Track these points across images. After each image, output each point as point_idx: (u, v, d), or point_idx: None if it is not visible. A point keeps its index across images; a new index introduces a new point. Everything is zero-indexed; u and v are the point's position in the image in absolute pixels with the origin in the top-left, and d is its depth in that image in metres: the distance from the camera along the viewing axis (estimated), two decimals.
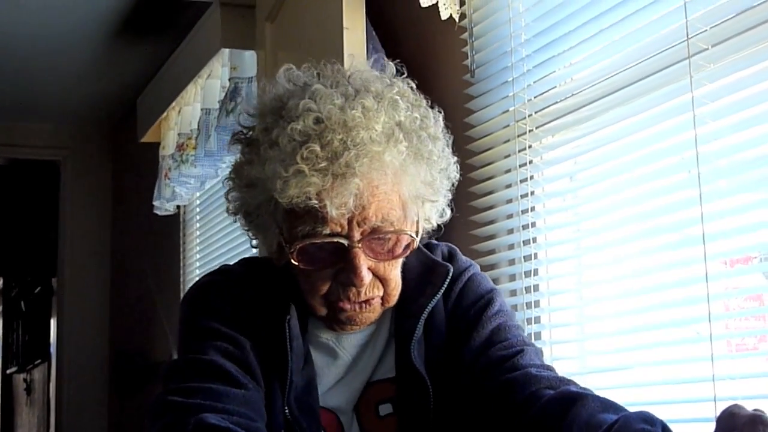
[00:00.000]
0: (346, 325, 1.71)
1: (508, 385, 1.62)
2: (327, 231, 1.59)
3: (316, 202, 1.56)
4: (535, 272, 2.50)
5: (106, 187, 7.00)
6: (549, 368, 1.67)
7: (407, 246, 1.67)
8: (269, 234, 1.71)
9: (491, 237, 2.65)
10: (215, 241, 5.01)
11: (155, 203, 5.14)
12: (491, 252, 2.66)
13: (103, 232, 6.98)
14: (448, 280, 1.76)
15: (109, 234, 6.99)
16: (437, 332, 1.76)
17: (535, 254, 2.50)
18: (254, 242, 1.80)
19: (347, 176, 1.55)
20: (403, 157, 1.61)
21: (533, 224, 2.50)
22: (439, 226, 1.77)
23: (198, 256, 5.33)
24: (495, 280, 2.59)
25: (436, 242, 1.85)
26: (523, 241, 2.52)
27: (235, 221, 1.78)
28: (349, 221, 1.59)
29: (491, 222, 2.66)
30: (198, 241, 5.36)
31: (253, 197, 1.68)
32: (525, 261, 2.51)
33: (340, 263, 1.63)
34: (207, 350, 1.65)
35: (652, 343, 2.20)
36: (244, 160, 1.70)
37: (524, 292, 2.51)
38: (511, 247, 2.59)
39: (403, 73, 1.75)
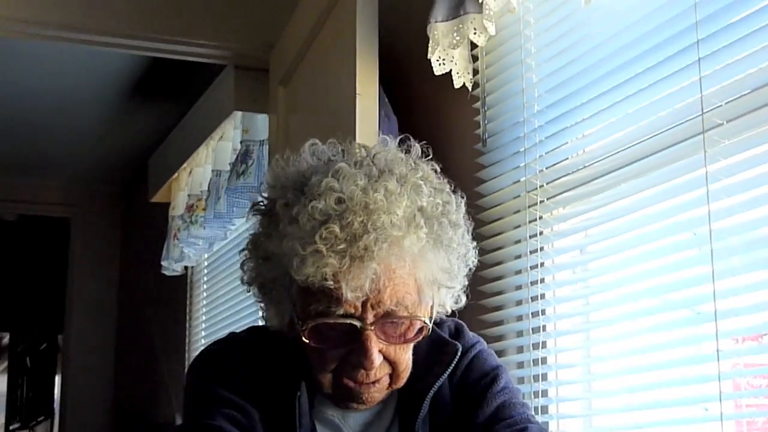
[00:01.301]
0: (353, 403, 1.68)
1: None
2: (340, 311, 1.57)
3: (331, 283, 1.53)
4: (543, 345, 2.46)
5: (115, 246, 7.01)
6: None
7: (420, 330, 1.65)
8: (282, 308, 1.68)
9: (499, 308, 2.62)
10: (222, 303, 4.99)
11: (163, 263, 5.13)
12: (499, 323, 2.62)
13: (111, 291, 6.98)
14: (456, 359, 1.74)
15: (116, 292, 6.99)
16: (442, 410, 1.73)
17: (544, 326, 2.47)
18: (265, 314, 1.77)
19: (365, 260, 1.53)
20: (423, 244, 1.58)
21: (542, 296, 2.47)
22: (453, 312, 1.75)
23: (204, 317, 5.31)
24: (502, 352, 2.56)
25: (442, 318, 1.83)
26: (532, 313, 2.48)
27: (248, 291, 1.75)
28: (363, 303, 1.57)
29: (500, 293, 2.62)
30: (205, 302, 5.34)
31: (268, 270, 1.66)
32: (533, 333, 2.48)
33: (351, 344, 1.60)
34: (215, 416, 1.63)
35: (662, 421, 2.16)
36: (262, 233, 1.68)
37: (532, 364, 2.47)
38: (519, 318, 2.56)
39: (429, 155, 1.72)
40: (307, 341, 1.61)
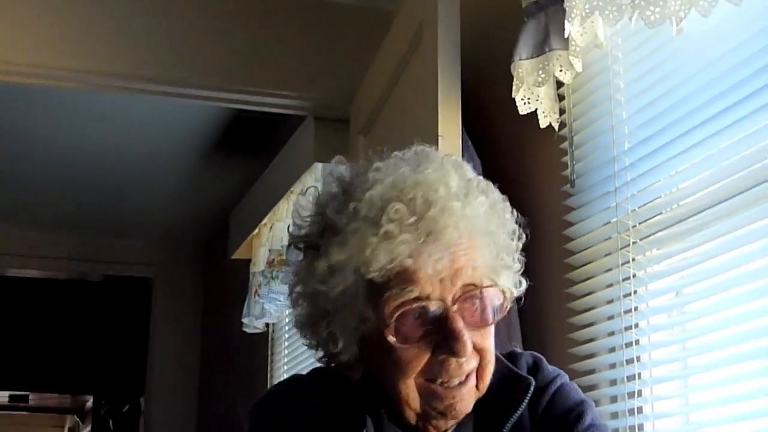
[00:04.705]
0: (440, 421, 1.58)
1: None
2: (417, 294, 1.50)
3: (410, 260, 1.48)
4: (639, 393, 2.35)
5: (197, 304, 7.01)
6: None
7: (497, 309, 1.57)
8: (348, 331, 1.60)
9: (591, 356, 2.52)
10: (303, 359, 4.93)
11: (244, 320, 5.08)
12: (591, 371, 2.52)
13: (192, 350, 6.97)
14: (529, 395, 1.64)
15: (198, 352, 6.98)
16: None
17: (639, 374, 2.35)
18: (319, 355, 1.69)
19: (437, 232, 1.49)
20: (484, 210, 1.55)
21: (637, 342, 2.36)
22: (518, 299, 1.67)
23: (285, 375, 5.24)
24: (595, 402, 2.44)
25: (520, 351, 1.75)
26: (626, 360, 2.37)
27: (304, 336, 1.67)
28: (441, 283, 1.51)
29: (592, 340, 2.52)
30: (286, 359, 5.28)
31: (334, 286, 1.56)
32: (628, 381, 2.37)
33: (436, 335, 1.52)
34: None
35: None
36: (315, 256, 1.59)
37: (627, 414, 2.36)
38: (612, 366, 2.45)
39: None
40: (393, 340, 1.52)
